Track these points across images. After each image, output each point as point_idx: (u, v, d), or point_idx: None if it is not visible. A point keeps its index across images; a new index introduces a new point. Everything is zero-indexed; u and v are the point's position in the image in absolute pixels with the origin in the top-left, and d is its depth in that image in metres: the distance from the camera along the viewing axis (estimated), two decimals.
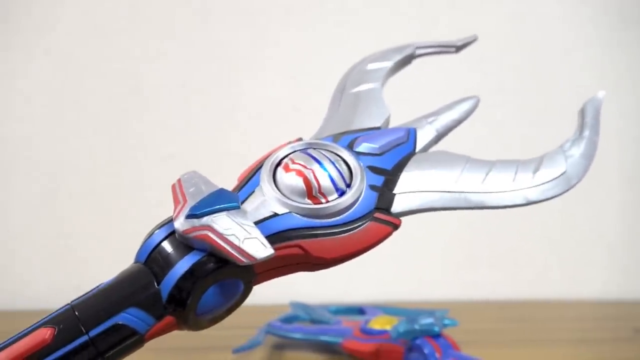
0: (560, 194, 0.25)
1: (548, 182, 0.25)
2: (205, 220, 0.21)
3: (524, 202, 0.25)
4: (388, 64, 0.31)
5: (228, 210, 0.21)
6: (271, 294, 0.44)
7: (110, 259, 0.58)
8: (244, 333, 0.43)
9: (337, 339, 0.42)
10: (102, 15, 0.59)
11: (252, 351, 0.43)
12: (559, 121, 0.58)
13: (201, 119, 0.60)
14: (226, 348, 0.42)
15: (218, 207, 0.21)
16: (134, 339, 0.21)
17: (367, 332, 0.40)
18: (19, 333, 0.20)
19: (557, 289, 0.63)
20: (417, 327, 0.36)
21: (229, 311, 0.23)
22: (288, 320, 0.46)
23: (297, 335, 0.44)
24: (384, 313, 0.44)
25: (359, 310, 0.47)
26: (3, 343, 0.20)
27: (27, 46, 0.58)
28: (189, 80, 0.60)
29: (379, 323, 0.40)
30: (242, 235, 0.20)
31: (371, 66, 0.31)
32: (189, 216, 0.21)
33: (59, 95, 0.59)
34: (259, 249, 0.20)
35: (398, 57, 0.31)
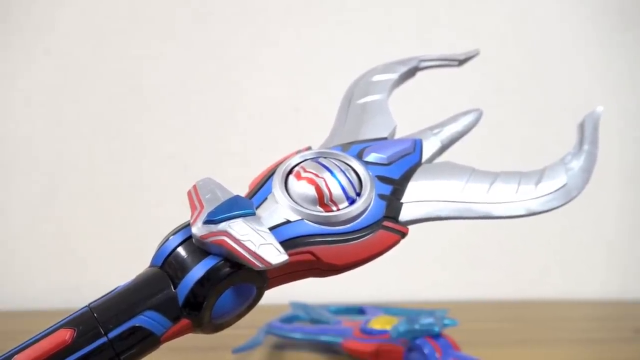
0: (560, 206, 0.26)
1: (549, 194, 0.26)
2: (222, 225, 0.21)
3: (526, 212, 0.26)
4: (393, 76, 0.32)
5: (244, 216, 0.22)
6: (271, 294, 0.44)
7: (109, 259, 0.58)
8: (244, 333, 0.43)
9: (337, 339, 0.42)
10: (101, 16, 0.59)
11: (252, 351, 0.43)
12: (558, 121, 0.58)
13: (201, 119, 0.60)
14: (226, 348, 0.42)
15: (235, 213, 0.22)
16: (151, 340, 0.21)
17: (367, 332, 0.40)
18: (39, 334, 0.21)
19: (557, 289, 0.63)
20: (417, 327, 0.36)
21: (242, 314, 0.23)
22: (288, 320, 0.46)
23: (297, 335, 0.44)
24: (384, 313, 0.44)
25: (359, 310, 0.47)
26: (24, 343, 0.20)
27: (27, 46, 0.58)
28: (188, 80, 0.60)
29: (379, 323, 0.40)
30: (257, 241, 0.21)
31: (377, 78, 0.32)
32: (207, 222, 0.21)
33: (59, 95, 0.59)
34: (274, 254, 0.21)
35: (403, 70, 0.32)
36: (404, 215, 0.25)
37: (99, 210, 0.60)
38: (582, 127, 0.29)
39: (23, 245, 0.60)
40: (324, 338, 0.43)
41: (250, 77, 0.60)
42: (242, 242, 0.21)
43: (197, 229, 0.21)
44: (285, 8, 0.60)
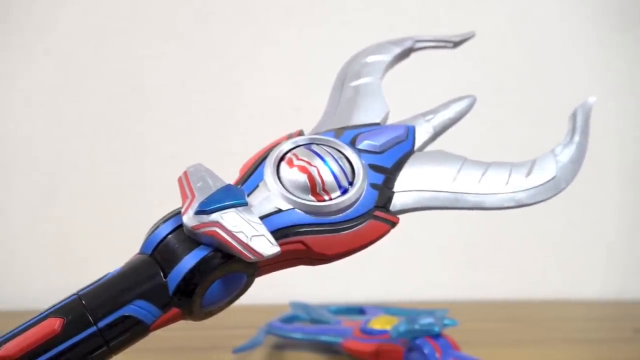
0: (549, 198, 0.26)
1: (539, 186, 0.26)
2: (214, 216, 0.21)
3: (515, 204, 0.26)
4: (387, 57, 0.31)
5: (236, 207, 0.22)
6: (271, 294, 0.44)
7: (110, 260, 0.58)
8: (244, 333, 0.43)
9: (337, 339, 0.42)
10: (102, 15, 0.59)
11: (252, 351, 0.43)
12: (558, 121, 0.58)
13: (202, 118, 0.60)
14: (226, 348, 0.42)
15: (227, 203, 0.22)
16: (140, 329, 0.21)
17: (367, 332, 0.40)
18: (27, 322, 0.21)
19: (557, 289, 0.63)
20: (417, 327, 0.36)
21: (232, 301, 0.23)
22: (288, 320, 0.46)
23: (297, 335, 0.44)
24: (384, 313, 0.44)
25: (359, 310, 0.47)
26: (12, 331, 0.20)
27: (27, 46, 0.58)
28: (189, 80, 0.60)
29: (379, 323, 0.40)
30: (249, 232, 0.21)
31: (371, 59, 0.31)
32: (198, 212, 0.21)
33: (59, 95, 0.59)
34: (266, 246, 0.21)
35: (397, 51, 0.32)
36: (395, 205, 0.25)
37: (99, 210, 0.60)
38: (574, 117, 0.29)
39: (23, 245, 0.60)
40: (324, 338, 0.43)
41: (251, 77, 0.60)
42: (234, 233, 0.21)
43: (189, 219, 0.21)
44: (286, 8, 0.60)
